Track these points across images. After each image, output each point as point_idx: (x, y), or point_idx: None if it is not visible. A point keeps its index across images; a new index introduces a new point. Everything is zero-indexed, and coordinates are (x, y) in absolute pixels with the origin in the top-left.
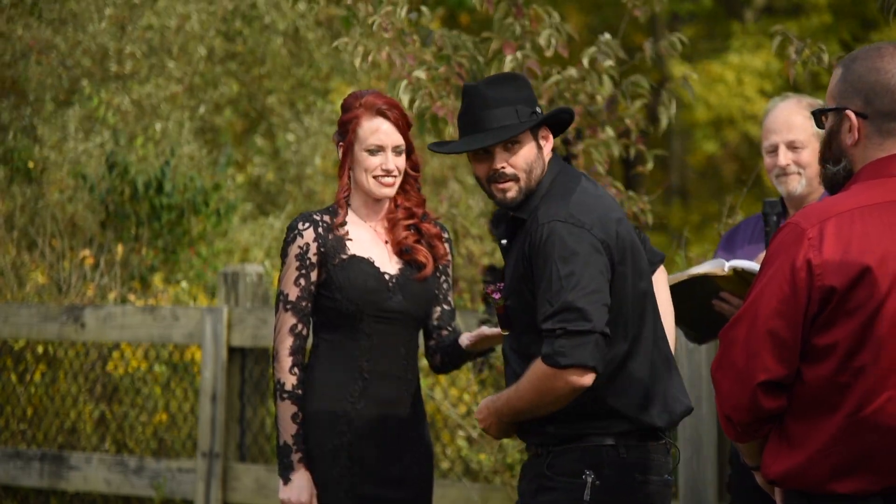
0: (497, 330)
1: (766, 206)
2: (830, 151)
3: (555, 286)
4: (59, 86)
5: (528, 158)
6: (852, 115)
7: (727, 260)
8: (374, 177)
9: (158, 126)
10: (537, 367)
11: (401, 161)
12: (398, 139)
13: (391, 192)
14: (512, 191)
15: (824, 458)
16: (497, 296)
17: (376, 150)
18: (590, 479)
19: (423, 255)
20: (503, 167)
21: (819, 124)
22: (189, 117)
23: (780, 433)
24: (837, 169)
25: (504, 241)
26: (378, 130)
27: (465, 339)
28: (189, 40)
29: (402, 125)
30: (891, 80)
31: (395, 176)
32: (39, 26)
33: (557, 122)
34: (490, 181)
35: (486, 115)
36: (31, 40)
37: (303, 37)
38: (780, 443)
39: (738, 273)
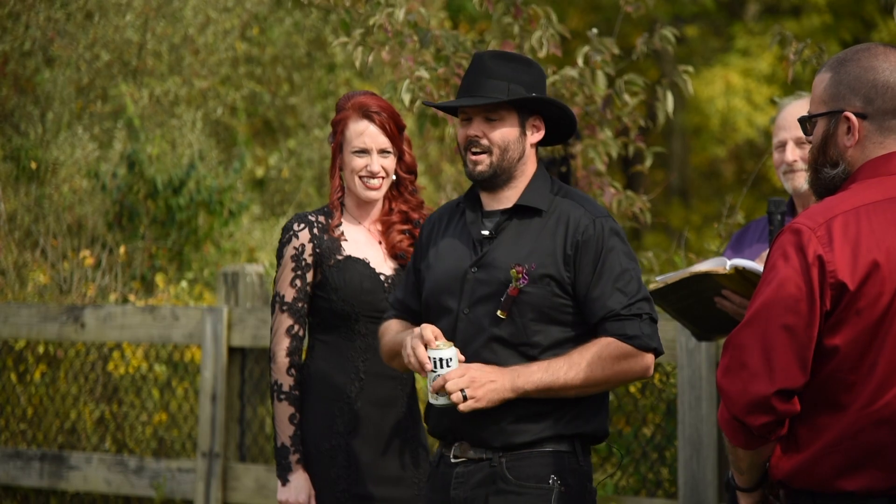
0: None
1: (771, 205)
2: (826, 155)
3: (626, 277)
4: (77, 80)
5: (505, 136)
6: (852, 116)
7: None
8: (360, 177)
9: (174, 122)
10: (613, 347)
11: (387, 163)
12: (383, 142)
13: (377, 194)
14: (482, 164)
15: (832, 455)
16: (524, 281)
17: (361, 151)
18: (556, 485)
19: None
20: (478, 136)
21: (805, 132)
22: (203, 118)
23: (787, 433)
24: (836, 172)
25: (486, 233)
26: (363, 133)
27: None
28: (213, 40)
29: (390, 128)
30: (890, 78)
31: (380, 178)
32: (62, 19)
33: (557, 128)
34: (466, 148)
35: (478, 82)
36: (52, 32)
37: (324, 40)
38: (787, 442)
39: (740, 272)
